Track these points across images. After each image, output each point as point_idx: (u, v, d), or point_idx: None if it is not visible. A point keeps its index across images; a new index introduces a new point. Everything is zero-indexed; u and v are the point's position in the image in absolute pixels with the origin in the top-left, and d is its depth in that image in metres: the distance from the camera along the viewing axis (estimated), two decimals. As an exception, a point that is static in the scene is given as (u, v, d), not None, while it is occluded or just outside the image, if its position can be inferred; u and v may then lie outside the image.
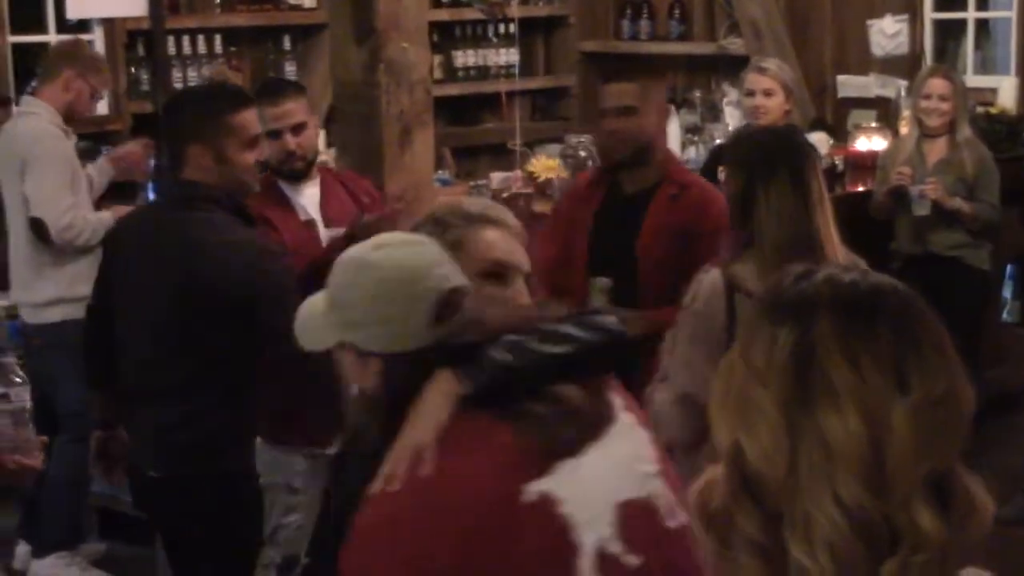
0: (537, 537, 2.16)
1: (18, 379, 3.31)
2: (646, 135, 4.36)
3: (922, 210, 6.10)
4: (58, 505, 5.39)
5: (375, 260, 2.36)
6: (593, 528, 2.18)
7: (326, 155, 5.88)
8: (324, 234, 4.36)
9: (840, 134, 7.51)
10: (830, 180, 6.55)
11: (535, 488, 2.16)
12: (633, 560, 2.19)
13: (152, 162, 5.74)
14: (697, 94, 8.32)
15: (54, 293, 5.35)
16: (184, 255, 3.76)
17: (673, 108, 8.07)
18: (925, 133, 6.29)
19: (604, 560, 2.18)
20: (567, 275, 4.35)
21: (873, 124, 7.44)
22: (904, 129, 6.85)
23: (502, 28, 8.21)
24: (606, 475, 2.23)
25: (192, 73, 7.22)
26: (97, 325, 4.06)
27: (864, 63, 7.89)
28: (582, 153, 6.28)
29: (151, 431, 3.88)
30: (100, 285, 4.09)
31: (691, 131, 7.65)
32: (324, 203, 4.43)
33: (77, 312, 5.32)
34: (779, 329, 1.44)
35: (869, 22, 7.82)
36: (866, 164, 6.88)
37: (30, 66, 6.72)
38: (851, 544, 1.38)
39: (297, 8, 7.65)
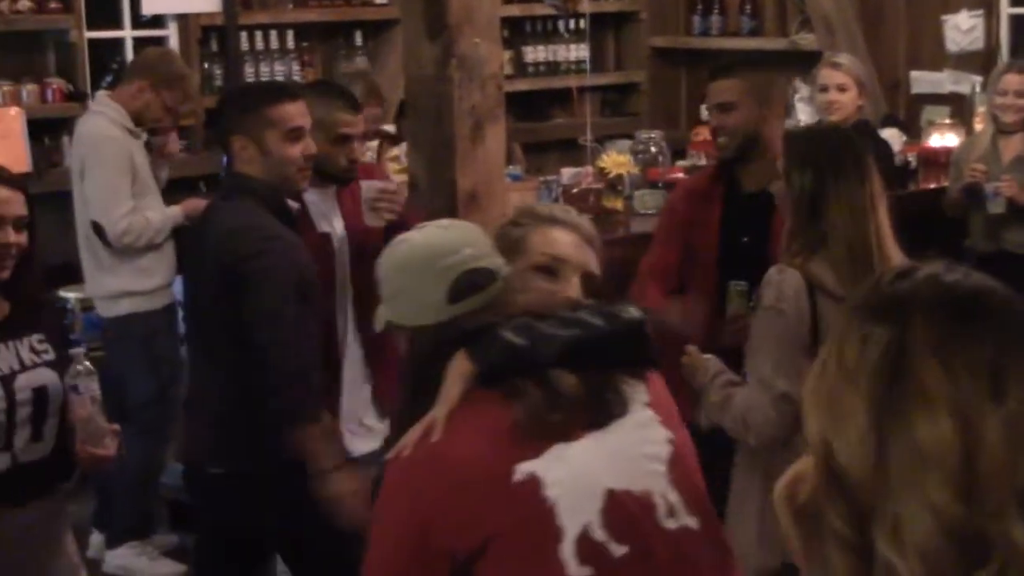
0: (524, 515, 2.23)
1: (85, 369, 3.35)
2: (747, 129, 4.36)
3: (997, 208, 6.03)
4: (129, 496, 5.45)
5: (410, 238, 2.53)
6: (578, 514, 2.24)
7: (397, 150, 5.91)
8: (337, 243, 4.32)
9: (913, 130, 7.44)
10: (903, 177, 6.51)
11: (526, 468, 2.24)
12: (617, 549, 2.24)
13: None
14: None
15: (120, 286, 5.41)
16: (218, 244, 3.80)
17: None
18: (1000, 130, 6.21)
19: (586, 545, 2.23)
20: (695, 276, 4.36)
21: (947, 120, 7.37)
22: (979, 125, 6.78)
23: (572, 24, 8.20)
24: (597, 462, 2.28)
25: (264, 68, 7.28)
26: None
27: (938, 58, 7.82)
28: (653, 149, 6.27)
29: (206, 426, 3.88)
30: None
31: (762, 127, 7.59)
32: (342, 204, 4.38)
33: (145, 305, 5.41)
34: (873, 328, 1.40)
35: (944, 17, 7.74)
36: (939, 161, 6.81)
37: (106, 61, 6.80)
38: (942, 550, 1.35)
39: (368, 3, 7.69)
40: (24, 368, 3.35)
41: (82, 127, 5.49)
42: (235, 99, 4.09)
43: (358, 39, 7.70)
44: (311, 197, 4.34)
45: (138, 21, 6.96)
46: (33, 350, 3.39)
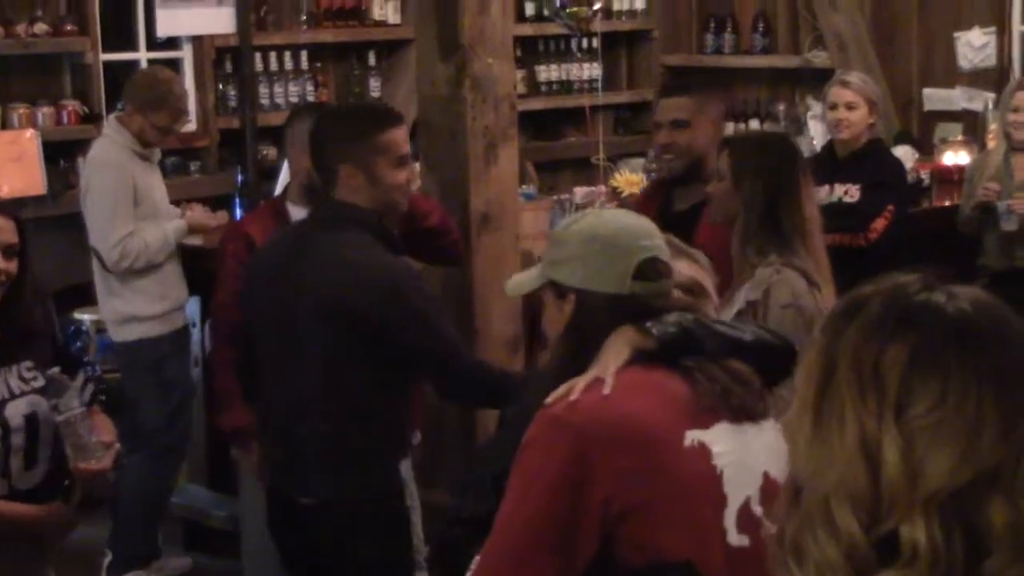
0: (692, 479, 2.32)
1: (61, 386, 3.36)
2: (698, 149, 4.36)
3: (1010, 225, 6.02)
4: (134, 521, 5.43)
5: (602, 213, 2.74)
6: (741, 486, 2.35)
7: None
8: None
9: (926, 148, 7.44)
10: (917, 195, 6.51)
11: (696, 436, 2.34)
12: (771, 527, 2.25)
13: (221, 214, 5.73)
14: (781, 107, 8.29)
15: (128, 311, 5.39)
16: (331, 276, 3.70)
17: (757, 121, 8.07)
18: (1013, 147, 6.21)
19: (747, 517, 2.34)
20: None
21: (959, 138, 7.37)
22: (991, 143, 6.78)
23: (585, 43, 8.23)
24: (758, 447, 2.38)
25: (279, 89, 7.32)
26: (247, 344, 4.06)
27: (950, 76, 7.82)
28: (666, 167, 6.28)
29: (301, 455, 3.82)
30: (246, 304, 4.07)
31: (775, 145, 7.60)
32: None
33: (154, 330, 5.37)
34: (885, 345, 1.39)
35: (956, 34, 7.75)
36: (952, 178, 6.81)
37: (121, 83, 6.84)
38: (838, 566, 1.36)
39: (382, 24, 7.72)
40: (13, 396, 3.34)
41: (91, 153, 5.52)
42: (341, 126, 3.90)
43: (371, 59, 7.73)
44: (295, 213, 4.37)
45: (153, 43, 7.00)
46: (21, 378, 3.38)
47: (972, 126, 7.56)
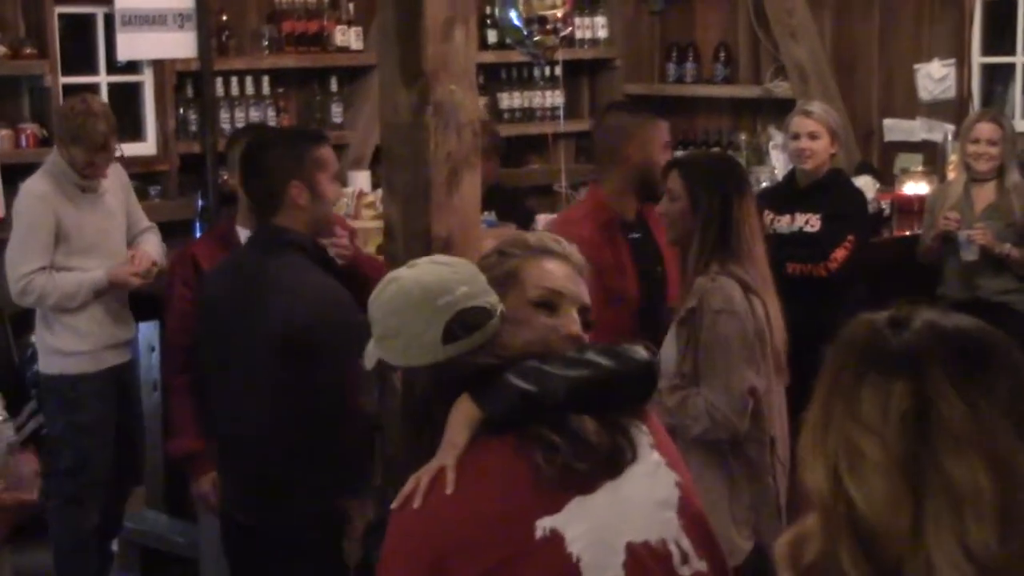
0: (546, 574, 2.17)
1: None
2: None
3: (970, 255, 6.06)
4: (63, 567, 5.24)
5: (400, 276, 2.47)
6: (602, 569, 2.19)
7: (372, 196, 5.90)
8: None
9: (887, 178, 7.48)
10: (877, 224, 6.54)
11: (547, 524, 2.18)
12: None
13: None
14: (742, 137, 8.32)
15: (49, 343, 5.17)
16: (275, 302, 3.75)
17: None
18: (973, 178, 6.25)
19: None
20: (616, 316, 4.40)
21: (920, 168, 7.42)
22: (952, 174, 6.82)
23: (548, 71, 8.23)
24: (618, 515, 2.23)
25: (240, 113, 7.28)
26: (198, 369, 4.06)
27: (911, 107, 7.88)
28: (628, 196, 6.27)
29: (240, 476, 3.88)
30: (197, 331, 4.09)
31: (736, 174, 7.62)
32: None
33: (73, 367, 5.10)
34: (892, 383, 1.43)
35: (916, 66, 7.81)
36: (913, 208, 6.86)
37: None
38: None
39: (344, 50, 7.70)
40: None
41: (25, 183, 5.35)
42: (283, 146, 4.03)
43: (333, 85, 7.72)
44: (245, 235, 4.39)
45: (113, 67, 6.96)
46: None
47: (932, 157, 7.61)
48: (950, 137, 7.40)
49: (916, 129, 7.83)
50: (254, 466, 3.81)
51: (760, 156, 7.92)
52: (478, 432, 2.25)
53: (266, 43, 7.51)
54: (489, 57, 8.04)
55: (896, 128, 7.93)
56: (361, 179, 6.88)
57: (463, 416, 2.26)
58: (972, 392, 1.43)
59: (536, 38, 5.39)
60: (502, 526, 2.18)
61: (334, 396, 3.74)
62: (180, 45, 7.04)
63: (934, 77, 7.77)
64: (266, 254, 3.89)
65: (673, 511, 2.29)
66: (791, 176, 5.95)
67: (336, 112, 7.73)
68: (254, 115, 7.32)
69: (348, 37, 7.69)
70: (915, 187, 7.12)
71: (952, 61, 7.70)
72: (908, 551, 1.41)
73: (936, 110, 7.75)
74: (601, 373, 2.32)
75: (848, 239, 5.59)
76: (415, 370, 2.39)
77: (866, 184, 6.66)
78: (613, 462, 2.26)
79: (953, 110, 7.65)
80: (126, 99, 6.97)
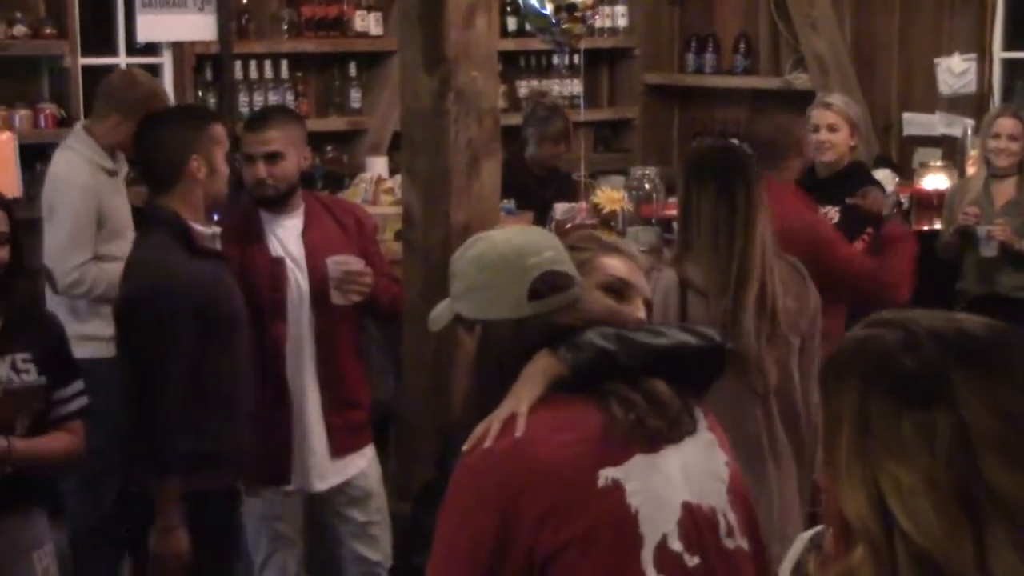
0: (607, 521, 2.26)
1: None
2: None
3: (989, 251, 6.04)
4: (82, 551, 5.21)
5: (491, 235, 2.62)
6: (658, 523, 2.28)
7: (391, 182, 5.89)
8: (295, 272, 4.45)
9: (905, 172, 7.45)
10: (896, 218, 6.50)
11: (610, 474, 2.27)
12: (690, 560, 2.30)
13: None
14: (761, 129, 8.28)
15: (80, 330, 5.01)
16: (126, 275, 4.04)
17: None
18: (993, 173, 6.23)
19: (664, 554, 2.28)
20: None
21: (938, 163, 7.39)
22: (971, 168, 6.80)
23: (567, 59, 8.21)
24: (677, 476, 2.33)
25: (258, 97, 7.27)
26: None
27: (930, 101, 7.84)
28: (647, 185, 6.26)
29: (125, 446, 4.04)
30: None
31: (755, 165, 7.60)
32: (306, 232, 4.49)
33: (101, 351, 4.99)
34: (933, 417, 1.41)
35: (937, 60, 7.77)
36: (932, 203, 6.83)
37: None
38: None
39: (363, 35, 7.69)
40: None
41: (55, 167, 5.26)
42: (180, 121, 4.16)
43: (352, 70, 7.71)
44: (267, 220, 4.43)
45: (132, 48, 6.96)
46: (14, 368, 3.39)
47: (951, 152, 7.58)
48: (970, 132, 7.37)
49: (935, 123, 7.79)
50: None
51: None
52: (552, 388, 2.33)
53: (286, 27, 7.50)
54: (508, 45, 8.02)
55: (915, 122, 7.89)
56: (379, 165, 6.87)
57: (540, 368, 2.35)
58: (1001, 400, 1.41)
59: (564, 25, 5.36)
60: (568, 471, 2.26)
61: (149, 373, 3.86)
62: (200, 28, 7.04)
63: (954, 71, 7.73)
64: (142, 231, 4.13)
65: (724, 485, 2.39)
66: (811, 168, 5.93)
67: (355, 97, 7.72)
68: (272, 99, 7.31)
69: (368, 22, 7.68)
70: (934, 181, 7.09)
71: (973, 55, 7.67)
72: (968, 571, 1.39)
73: (956, 104, 7.71)
74: (679, 345, 2.44)
75: (867, 232, 5.58)
76: (495, 325, 2.45)
77: (886, 177, 6.63)
78: (678, 428, 2.36)
79: (973, 105, 7.61)
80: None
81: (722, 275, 3.81)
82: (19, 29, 6.48)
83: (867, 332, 1.51)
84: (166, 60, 7.07)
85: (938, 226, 6.46)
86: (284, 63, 7.43)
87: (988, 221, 6.08)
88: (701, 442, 2.39)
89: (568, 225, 5.55)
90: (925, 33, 7.87)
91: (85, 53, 6.72)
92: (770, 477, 3.84)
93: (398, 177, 5.47)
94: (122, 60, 6.92)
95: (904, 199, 6.88)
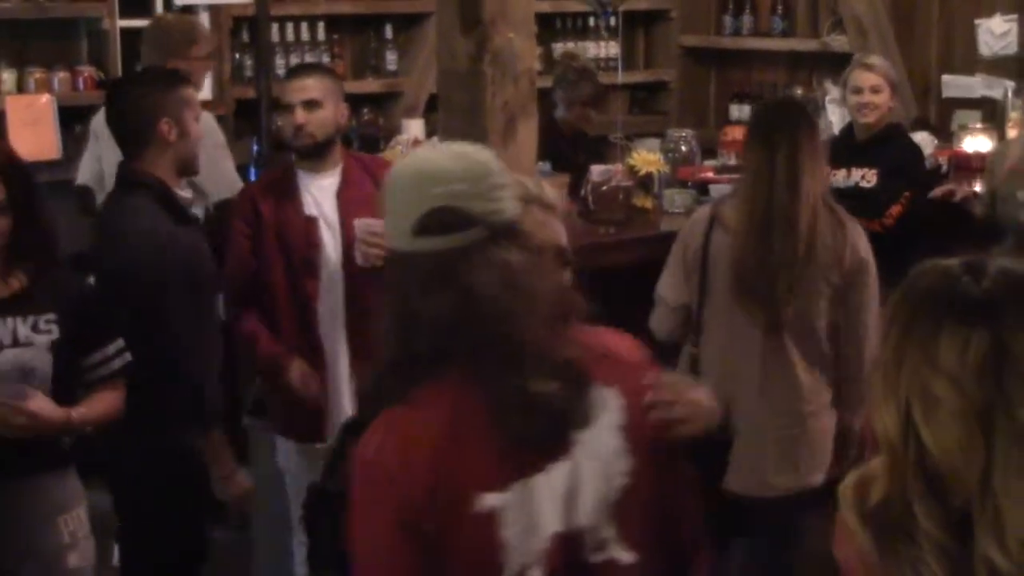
0: (473, 544, 2.18)
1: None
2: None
3: (1029, 216, 5.96)
4: None
5: (415, 154, 2.45)
6: (523, 554, 2.20)
7: (428, 144, 5.89)
8: (327, 231, 4.48)
9: (943, 134, 7.39)
10: (935, 180, 6.47)
11: (490, 500, 2.18)
12: None
13: None
14: (799, 91, 8.24)
15: None
16: (111, 241, 4.01)
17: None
18: (1039, 134, 6.14)
19: None
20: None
21: (978, 125, 7.32)
22: (1012, 131, 6.74)
23: (603, 21, 8.17)
24: (549, 503, 2.22)
25: (295, 59, 7.28)
26: None
27: (970, 63, 7.77)
28: (684, 148, 6.24)
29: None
30: None
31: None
32: (342, 192, 4.51)
33: None
34: (971, 330, 1.47)
35: (977, 21, 7.69)
36: (972, 165, 6.77)
37: (138, 50, 6.81)
38: None
39: (400, -3, 7.68)
40: (16, 344, 3.42)
41: None
42: (149, 84, 4.18)
43: (388, 32, 7.70)
44: (304, 179, 4.45)
45: (170, 10, 6.96)
46: (35, 328, 3.42)
47: (991, 114, 7.51)
48: (1010, 94, 7.31)
49: (975, 86, 7.72)
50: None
51: (816, 110, 7.84)
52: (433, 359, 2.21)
53: (322, -11, 7.50)
54: (544, 7, 7.98)
55: (954, 84, 7.82)
56: (415, 127, 6.87)
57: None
58: None
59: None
60: (451, 487, 2.18)
61: (166, 336, 3.89)
62: (237, -10, 7.04)
63: (995, 32, 7.66)
64: (120, 194, 4.08)
65: (611, 498, 2.27)
66: (848, 130, 5.90)
67: (391, 60, 7.71)
68: (309, 61, 7.31)
69: (404, -16, 7.67)
70: (974, 143, 7.03)
71: (1015, 16, 7.58)
72: (977, 496, 1.44)
73: (996, 66, 7.64)
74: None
75: (904, 195, 5.55)
76: (391, 254, 2.29)
77: (924, 140, 6.59)
78: (564, 436, 2.23)
79: (1014, 66, 7.54)
80: (182, 43, 6.97)
81: (752, 217, 4.15)
82: (57, -9, 6.51)
83: (943, 262, 1.60)
84: (203, 22, 7.07)
85: (978, 188, 6.41)
86: (320, 25, 7.43)
87: (1029, 187, 6.00)
88: (593, 437, 2.25)
89: (604, 187, 5.54)
90: (965, -7, 7.80)
91: (123, 15, 6.72)
92: (754, 413, 4.12)
93: (435, 139, 5.47)
94: (160, 22, 6.92)
95: (943, 161, 6.83)
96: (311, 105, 4.47)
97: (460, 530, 2.18)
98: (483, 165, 2.28)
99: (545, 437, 2.20)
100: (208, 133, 5.03)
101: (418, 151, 2.45)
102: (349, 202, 4.47)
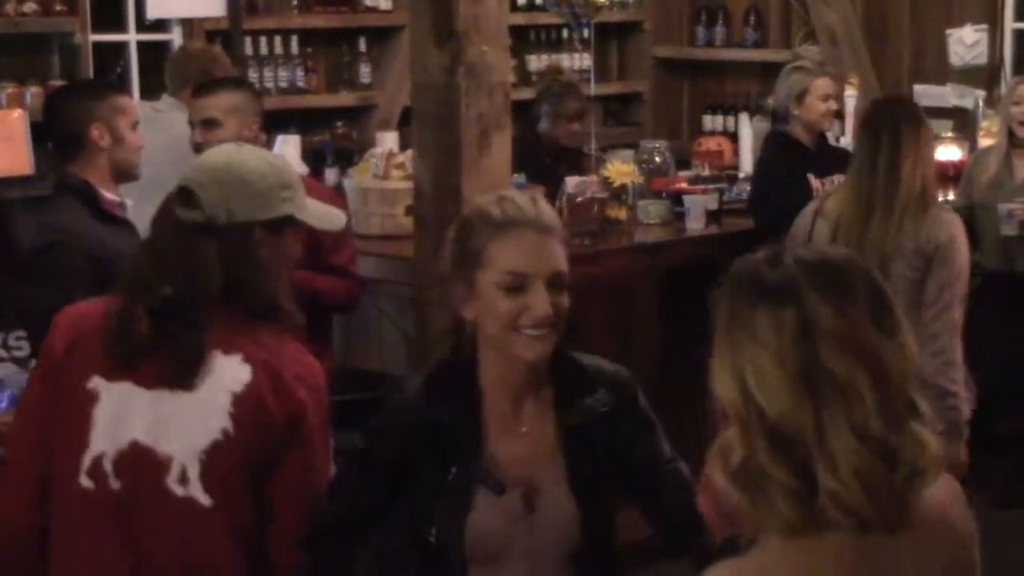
0: (72, 409, 2.65)
1: None
2: None
3: (1009, 230, 5.92)
4: None
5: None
6: (102, 441, 2.61)
7: (402, 157, 5.88)
8: None
9: (916, 144, 7.41)
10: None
11: (97, 382, 2.63)
12: (114, 483, 2.62)
13: None
14: (771, 101, 8.25)
15: None
16: (37, 237, 4.13)
17: (747, 115, 8.06)
18: (1016, 144, 6.14)
19: (96, 466, 2.62)
20: None
21: (950, 134, 7.36)
22: (984, 140, 6.77)
23: (576, 33, 8.19)
24: (140, 418, 2.61)
25: (268, 73, 7.27)
26: None
27: (942, 72, 7.81)
28: (657, 159, 6.24)
29: None
30: None
31: (765, 138, 7.57)
32: None
33: None
34: (781, 310, 1.78)
35: (948, 31, 7.75)
36: (946, 173, 6.80)
37: (109, 65, 6.79)
38: (869, 462, 1.72)
39: (373, 10, 7.68)
40: None
41: (173, 129, 5.21)
42: (81, 91, 4.34)
43: (362, 46, 7.70)
44: None
45: (142, 25, 6.95)
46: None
47: (962, 123, 7.55)
48: (981, 104, 7.35)
49: (947, 95, 7.76)
50: None
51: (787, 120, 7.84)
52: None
53: (295, 2, 7.49)
54: (518, 19, 7.99)
55: (926, 94, 7.85)
56: (389, 140, 6.86)
57: None
58: (840, 304, 1.77)
59: (584, -2, 5.35)
60: (72, 367, 2.67)
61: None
62: (209, 4, 7.02)
63: (966, 42, 7.71)
64: (54, 196, 4.21)
65: (201, 444, 2.60)
66: (821, 135, 5.96)
67: (364, 72, 7.71)
68: (282, 75, 7.32)
69: (377, -3, 7.67)
70: (946, 152, 7.06)
71: (985, 27, 7.64)
72: (815, 443, 1.73)
73: (967, 76, 7.68)
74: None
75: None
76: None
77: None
78: (179, 377, 2.61)
79: (984, 76, 7.58)
80: (155, 58, 6.96)
81: (855, 203, 4.57)
82: (29, 6, 6.47)
83: (747, 256, 1.88)
84: (175, 36, 7.06)
85: (952, 197, 6.43)
86: (294, 39, 7.42)
87: (1008, 198, 6.00)
88: (196, 402, 2.60)
89: (579, 199, 5.54)
90: (937, 4, 7.84)
91: (95, 29, 6.70)
92: None
93: (409, 152, 5.47)
94: (132, 36, 6.91)
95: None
96: (209, 124, 4.55)
97: (72, 392, 2.64)
98: (256, 166, 2.75)
99: (139, 359, 2.61)
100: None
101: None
102: None
